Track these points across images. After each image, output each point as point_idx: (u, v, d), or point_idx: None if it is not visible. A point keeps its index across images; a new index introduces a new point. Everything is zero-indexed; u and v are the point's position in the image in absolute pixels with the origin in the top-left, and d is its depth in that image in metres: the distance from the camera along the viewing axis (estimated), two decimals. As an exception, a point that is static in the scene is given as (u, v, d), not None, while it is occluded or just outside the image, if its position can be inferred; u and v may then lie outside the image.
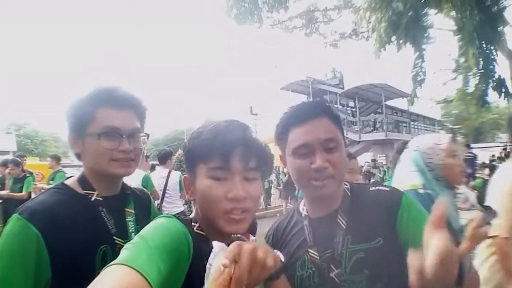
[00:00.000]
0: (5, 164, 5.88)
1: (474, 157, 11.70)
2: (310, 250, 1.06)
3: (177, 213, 4.31)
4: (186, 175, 0.93)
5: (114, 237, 1.03)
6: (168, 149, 5.57)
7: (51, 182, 5.28)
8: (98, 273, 0.85)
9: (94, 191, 1.07)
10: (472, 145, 12.58)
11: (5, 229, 0.93)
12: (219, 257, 0.66)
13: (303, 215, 1.14)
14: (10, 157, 7.11)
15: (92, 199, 1.06)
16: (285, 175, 10.73)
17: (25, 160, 6.17)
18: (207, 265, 0.67)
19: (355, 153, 18.29)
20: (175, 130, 41.17)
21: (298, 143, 1.04)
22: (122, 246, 0.93)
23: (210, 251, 0.69)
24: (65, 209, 0.98)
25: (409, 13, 4.39)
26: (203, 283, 0.68)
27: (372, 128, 20.97)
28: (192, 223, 0.90)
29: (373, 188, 1.13)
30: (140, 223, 1.10)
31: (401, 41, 4.56)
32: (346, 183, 1.13)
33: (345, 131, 0.96)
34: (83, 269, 0.91)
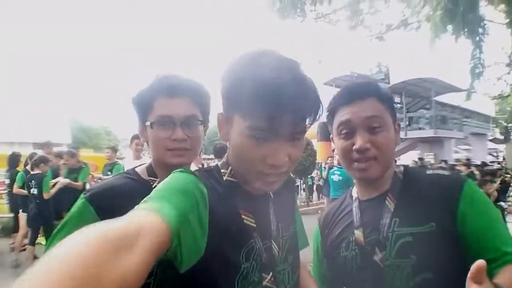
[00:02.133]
0: (59, 155, 6.24)
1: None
2: (356, 231, 1.03)
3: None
4: (220, 113, 0.81)
5: None
6: (224, 143, 5.58)
7: (108, 173, 5.42)
8: None
9: (157, 178, 1.09)
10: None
11: (72, 209, 1.00)
12: None
13: (353, 197, 1.12)
14: (64, 149, 7.60)
15: (153, 185, 1.06)
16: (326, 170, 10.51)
17: (79, 151, 6.54)
18: None
19: (399, 151, 17.60)
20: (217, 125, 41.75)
21: (339, 121, 1.03)
22: None
23: (242, 198, 0.75)
24: (126, 192, 1.01)
25: (465, 2, 4.09)
26: (236, 233, 0.75)
27: (420, 125, 19.99)
28: (222, 170, 0.85)
29: (431, 172, 1.08)
30: None
31: (458, 31, 4.26)
32: (400, 166, 1.10)
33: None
34: None
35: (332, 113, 1.08)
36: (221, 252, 0.74)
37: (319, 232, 1.20)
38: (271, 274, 0.81)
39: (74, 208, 1.00)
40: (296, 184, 1.22)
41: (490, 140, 29.44)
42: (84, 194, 1.01)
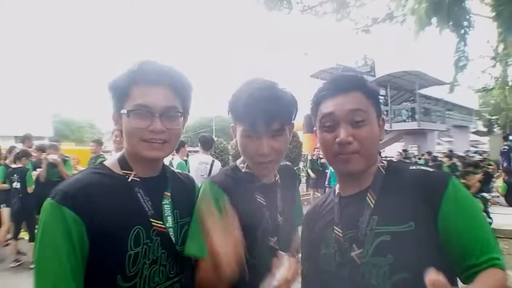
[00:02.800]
0: (41, 148, 6.10)
1: (510, 149, 11.05)
2: (336, 228, 1.03)
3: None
4: (232, 125, 1.17)
5: (151, 219, 0.99)
6: (210, 136, 5.52)
7: (93, 166, 5.36)
8: (130, 255, 0.93)
9: (132, 171, 1.03)
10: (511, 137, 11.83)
11: (41, 217, 0.90)
12: (282, 269, 0.92)
13: (336, 193, 1.12)
14: (46, 142, 7.42)
15: (129, 180, 1.01)
16: (311, 163, 10.60)
17: (61, 144, 6.39)
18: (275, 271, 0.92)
19: (384, 143, 17.88)
20: (203, 117, 41.64)
21: (323, 114, 1.03)
22: (159, 227, 1.00)
23: (257, 185, 1.15)
24: (99, 188, 0.94)
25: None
26: (253, 213, 1.09)
27: (404, 118, 20.30)
28: (240, 165, 1.21)
29: (414, 168, 1.01)
30: (178, 208, 1.08)
31: (443, 23, 4.30)
32: (383, 161, 1.07)
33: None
34: (115, 249, 0.91)
35: (316, 105, 1.07)
36: (242, 221, 0.94)
37: (304, 230, 1.20)
38: (276, 238, 1.14)
39: (45, 216, 0.89)
40: (295, 169, 1.40)
41: (473, 133, 30.14)
42: (52, 197, 0.90)
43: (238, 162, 1.24)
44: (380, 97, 1.09)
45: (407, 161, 1.16)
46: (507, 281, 0.83)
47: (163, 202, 1.05)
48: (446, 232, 0.88)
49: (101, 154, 5.82)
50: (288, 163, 1.37)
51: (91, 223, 0.88)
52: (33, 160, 5.87)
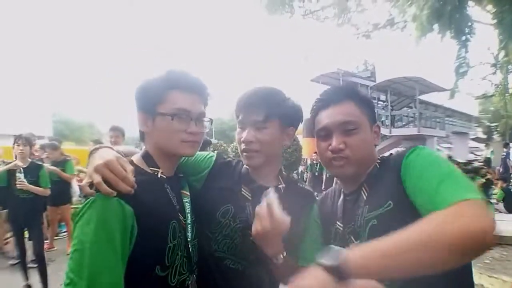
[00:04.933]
0: (42, 148, 6.09)
1: (507, 156, 11.06)
2: (338, 223, 1.12)
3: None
4: None
5: (179, 214, 1.08)
6: (207, 138, 5.54)
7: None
8: (170, 247, 1.01)
9: (159, 169, 1.10)
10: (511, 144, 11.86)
11: (89, 212, 0.89)
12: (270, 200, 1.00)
13: (339, 190, 1.21)
14: (45, 141, 7.39)
15: (159, 176, 1.09)
16: (311, 167, 10.59)
17: (61, 144, 6.36)
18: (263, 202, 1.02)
19: (384, 148, 17.89)
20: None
21: (319, 126, 1.14)
22: (185, 223, 1.10)
23: (250, 181, 1.23)
24: (139, 183, 0.96)
25: (452, 2, 4.14)
26: (237, 201, 1.19)
27: (404, 123, 20.31)
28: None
29: (393, 154, 1.11)
30: (193, 205, 1.18)
31: (444, 30, 4.31)
32: (379, 158, 1.13)
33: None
34: (159, 241, 0.99)
35: (313, 116, 1.19)
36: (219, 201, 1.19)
37: (317, 219, 1.23)
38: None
39: (98, 208, 0.89)
40: (310, 204, 1.26)
41: (473, 139, 30.13)
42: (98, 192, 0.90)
43: None
44: (375, 104, 1.12)
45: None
46: (471, 209, 0.73)
47: (184, 200, 1.16)
48: (414, 198, 0.90)
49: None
50: (309, 190, 1.34)
51: (141, 216, 0.94)
52: (35, 160, 5.86)
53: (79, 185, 6.41)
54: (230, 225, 1.16)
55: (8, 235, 5.53)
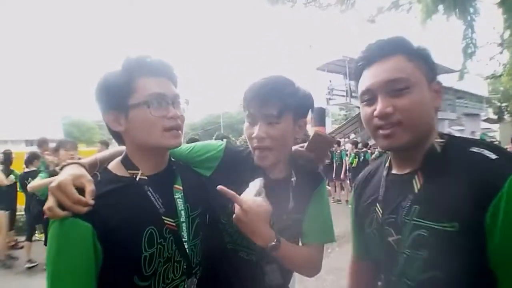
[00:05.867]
0: (56, 150, 6.17)
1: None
2: (377, 206, 0.98)
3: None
4: None
5: (163, 217, 0.97)
6: (223, 134, 5.59)
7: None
8: (145, 257, 0.91)
9: (139, 170, 1.00)
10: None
11: (50, 239, 0.87)
12: (248, 189, 1.03)
13: (386, 166, 1.04)
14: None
15: (137, 179, 0.98)
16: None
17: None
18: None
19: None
20: (211, 114, 41.82)
21: (361, 89, 0.94)
22: (172, 225, 0.98)
23: (260, 174, 1.11)
24: (106, 195, 0.91)
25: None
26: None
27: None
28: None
29: (475, 150, 0.82)
30: (190, 201, 1.07)
31: (449, 10, 4.23)
32: (444, 135, 0.92)
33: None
34: (129, 253, 0.90)
35: (356, 79, 0.99)
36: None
37: (353, 199, 1.18)
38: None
39: (56, 231, 0.85)
40: (317, 186, 1.21)
41: (484, 120, 29.59)
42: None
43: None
44: (431, 57, 0.93)
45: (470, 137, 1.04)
46: None
47: (176, 196, 1.04)
48: (493, 237, 0.73)
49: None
50: (318, 173, 1.27)
51: (103, 230, 0.86)
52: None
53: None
54: None
55: (15, 238, 5.62)
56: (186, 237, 1.02)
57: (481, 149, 0.81)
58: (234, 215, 0.99)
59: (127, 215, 0.91)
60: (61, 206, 0.85)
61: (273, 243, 1.00)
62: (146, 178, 1.00)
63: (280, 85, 1.09)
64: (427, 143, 0.90)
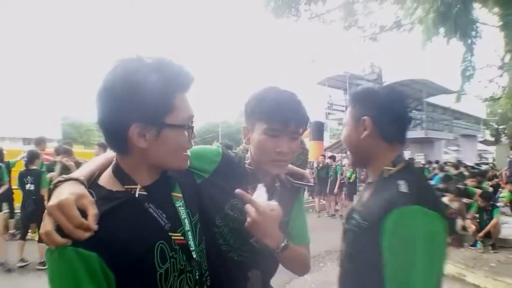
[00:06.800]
0: (57, 151, 6.18)
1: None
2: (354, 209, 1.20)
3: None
4: (245, 126, 1.22)
5: (170, 233, 0.91)
6: (228, 143, 5.65)
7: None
8: (161, 274, 0.87)
9: (137, 185, 0.91)
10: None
11: (49, 268, 0.81)
12: (258, 194, 1.09)
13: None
14: (55, 144, 7.48)
15: (137, 195, 0.90)
16: (318, 170, 10.57)
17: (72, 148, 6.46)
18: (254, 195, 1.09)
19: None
20: (209, 122, 41.89)
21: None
22: (180, 239, 0.94)
23: (254, 181, 1.17)
24: (106, 217, 0.82)
25: (458, 5, 4.14)
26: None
27: (411, 126, 20.17)
28: (245, 160, 1.24)
29: (399, 182, 1.03)
30: (191, 204, 1.04)
31: (450, 34, 4.32)
32: (404, 161, 1.15)
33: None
34: (145, 272, 0.85)
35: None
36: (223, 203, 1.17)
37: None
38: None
39: (57, 264, 0.78)
40: (298, 193, 1.35)
41: (481, 142, 29.78)
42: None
43: (246, 156, 1.28)
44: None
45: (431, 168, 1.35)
46: None
47: (177, 205, 0.99)
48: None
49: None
50: (302, 173, 1.39)
51: (111, 256, 0.79)
52: (47, 162, 5.95)
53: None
54: (239, 218, 1.14)
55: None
56: (193, 245, 0.99)
57: (404, 182, 1.02)
58: (248, 218, 1.04)
59: (132, 235, 0.84)
60: (59, 230, 0.76)
61: (283, 244, 1.07)
62: (145, 193, 0.91)
63: (300, 102, 1.17)
64: (375, 166, 1.16)
